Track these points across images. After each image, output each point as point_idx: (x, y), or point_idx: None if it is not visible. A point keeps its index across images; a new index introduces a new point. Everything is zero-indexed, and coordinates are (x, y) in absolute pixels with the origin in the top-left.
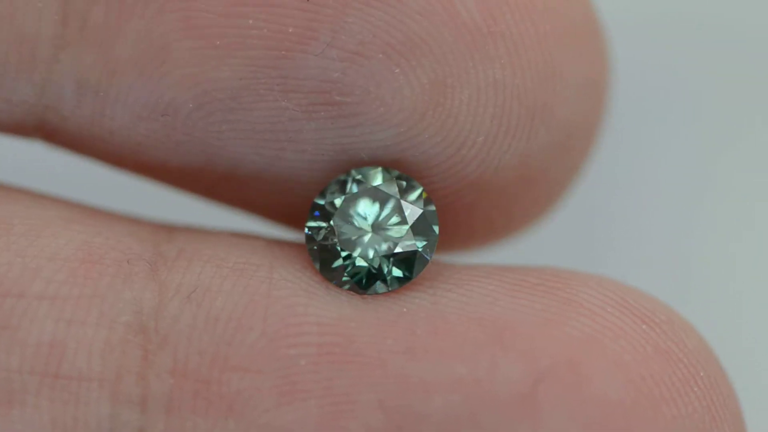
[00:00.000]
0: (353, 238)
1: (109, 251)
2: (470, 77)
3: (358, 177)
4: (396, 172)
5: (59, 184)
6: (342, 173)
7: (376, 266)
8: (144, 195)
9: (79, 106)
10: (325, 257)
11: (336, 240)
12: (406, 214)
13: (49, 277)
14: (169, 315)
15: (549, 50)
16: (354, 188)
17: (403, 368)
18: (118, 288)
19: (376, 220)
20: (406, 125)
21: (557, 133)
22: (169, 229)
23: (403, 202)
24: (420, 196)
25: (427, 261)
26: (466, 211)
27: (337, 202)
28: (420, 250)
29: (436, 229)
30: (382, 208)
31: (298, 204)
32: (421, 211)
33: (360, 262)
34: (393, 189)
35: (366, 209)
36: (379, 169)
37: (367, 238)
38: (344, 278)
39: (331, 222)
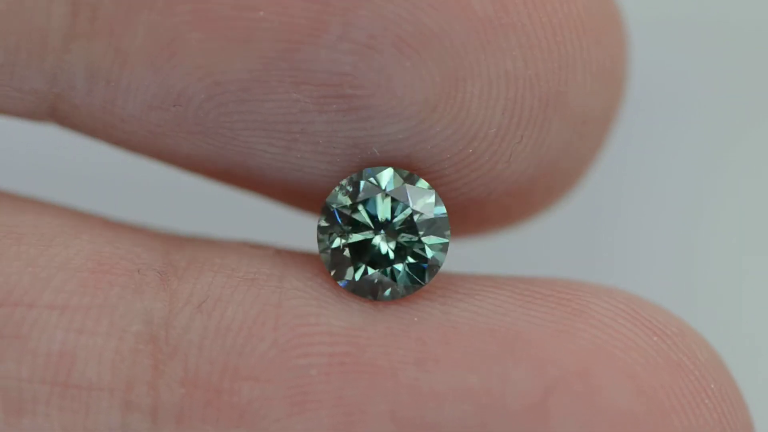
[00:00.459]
0: (365, 241)
1: (119, 261)
2: (482, 69)
3: (370, 179)
4: (407, 173)
5: (69, 193)
6: (354, 167)
7: (388, 271)
8: (154, 205)
9: (90, 95)
10: (336, 260)
11: (348, 243)
12: (417, 218)
13: (60, 286)
14: (179, 325)
15: (562, 40)
16: (365, 191)
17: (414, 378)
18: (129, 298)
19: (387, 222)
20: (417, 118)
21: (571, 123)
22: (180, 239)
23: (414, 206)
24: (431, 198)
25: (438, 267)
26: (478, 201)
27: (349, 204)
28: (431, 257)
29: (448, 234)
30: (393, 211)
31: (309, 194)
32: (433, 215)
33: (372, 267)
34: (404, 192)
35: (377, 212)
36: (391, 170)
37: (378, 241)
38: (356, 282)
39: (343, 225)
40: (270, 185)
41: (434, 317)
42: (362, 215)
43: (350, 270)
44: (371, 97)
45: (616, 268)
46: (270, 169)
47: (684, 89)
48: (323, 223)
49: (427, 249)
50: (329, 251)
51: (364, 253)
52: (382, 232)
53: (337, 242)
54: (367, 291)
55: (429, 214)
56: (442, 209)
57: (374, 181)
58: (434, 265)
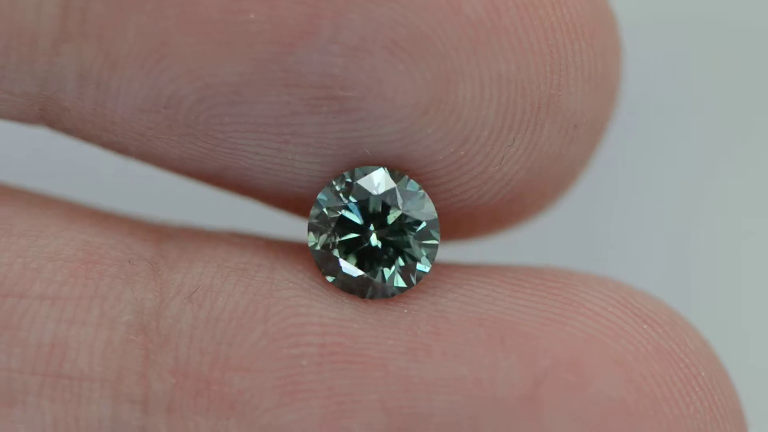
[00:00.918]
0: (354, 240)
1: (110, 251)
2: (474, 72)
3: (361, 178)
4: (398, 173)
5: (60, 183)
6: (345, 168)
7: (377, 270)
8: (145, 195)
9: (80, 98)
10: (326, 258)
11: (338, 241)
12: (407, 219)
13: (50, 277)
14: (170, 315)
15: (555, 44)
16: (356, 190)
17: (404, 369)
18: (119, 288)
19: (378, 222)
20: (409, 120)
21: (563, 128)
22: (170, 230)
23: (404, 207)
24: (422, 200)
25: (427, 268)
26: (469, 204)
27: (340, 203)
28: (420, 258)
29: (437, 236)
30: (383, 211)
31: (301, 196)
32: (423, 217)
33: (360, 266)
34: (395, 193)
35: (368, 212)
36: (382, 170)
37: (368, 240)
38: (345, 279)
39: (333, 223)
40: (260, 188)
41: (424, 308)
42: (352, 214)
43: (339, 268)
44: (362, 99)
45: (607, 259)
46: (260, 172)
47: (681, 89)
48: (314, 221)
49: (416, 250)
50: (319, 249)
51: (353, 252)
52: (372, 231)
53: (327, 240)
54: (355, 290)
55: (419, 216)
56: (432, 211)
57: (365, 181)
58: (423, 267)
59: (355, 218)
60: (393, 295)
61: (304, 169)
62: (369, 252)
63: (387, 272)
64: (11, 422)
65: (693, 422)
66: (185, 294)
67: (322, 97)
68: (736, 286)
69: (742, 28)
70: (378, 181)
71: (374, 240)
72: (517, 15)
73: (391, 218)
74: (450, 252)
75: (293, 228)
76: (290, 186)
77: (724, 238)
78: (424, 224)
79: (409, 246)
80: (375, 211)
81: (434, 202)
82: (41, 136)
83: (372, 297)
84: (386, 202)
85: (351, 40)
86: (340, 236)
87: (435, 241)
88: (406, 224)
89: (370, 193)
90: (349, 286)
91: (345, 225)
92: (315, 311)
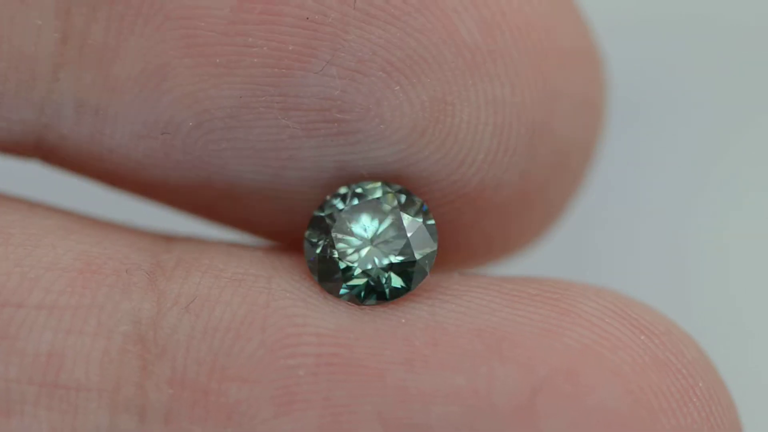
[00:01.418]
0: (352, 250)
1: (107, 261)
2: (470, 95)
3: (359, 190)
4: (397, 186)
5: (58, 193)
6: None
7: (375, 279)
8: (143, 205)
9: (78, 125)
10: (323, 269)
11: (335, 252)
12: (406, 227)
13: (48, 286)
14: (167, 325)
15: (547, 70)
16: (354, 201)
17: (401, 379)
18: (117, 298)
19: (375, 233)
20: (406, 143)
21: (556, 151)
22: (168, 239)
23: (402, 215)
24: (420, 209)
25: (425, 273)
26: (465, 228)
27: (337, 214)
28: (418, 260)
29: (435, 242)
30: (381, 221)
31: (297, 222)
32: (421, 223)
33: (358, 275)
34: (393, 203)
35: (365, 222)
36: (379, 183)
37: (366, 251)
38: (342, 290)
39: (331, 234)
40: (258, 213)
41: (421, 318)
42: (350, 224)
43: (337, 276)
44: (360, 121)
45: (604, 270)
46: (257, 197)
47: (679, 88)
48: (311, 232)
49: (414, 256)
50: (316, 260)
51: (350, 259)
52: (370, 240)
53: (324, 251)
54: (353, 297)
55: (417, 223)
56: (430, 218)
57: (363, 192)
58: (421, 272)
59: (353, 226)
60: (391, 297)
61: (302, 194)
62: (366, 259)
63: (384, 278)
64: None
65: None
66: (183, 304)
67: (320, 120)
68: (734, 296)
69: (742, 28)
70: (375, 192)
71: (371, 247)
72: (512, 40)
73: (389, 225)
74: None
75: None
76: (288, 213)
77: (722, 248)
78: (422, 229)
79: (408, 252)
80: (372, 218)
81: None
82: None
83: (369, 304)
84: (383, 210)
85: (348, 63)
86: (337, 244)
87: (433, 248)
88: (403, 230)
89: (367, 203)
90: (346, 294)
91: (341, 233)
92: (312, 321)
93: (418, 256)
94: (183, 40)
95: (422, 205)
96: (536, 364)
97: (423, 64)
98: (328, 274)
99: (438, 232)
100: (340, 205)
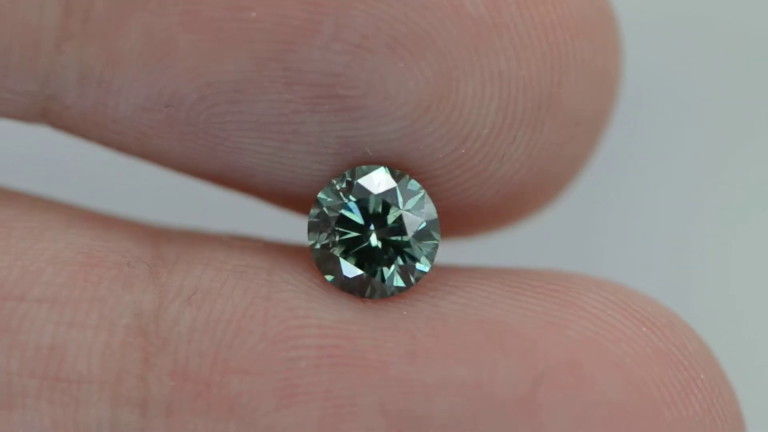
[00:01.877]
0: (354, 239)
1: (109, 254)
2: (475, 70)
3: (362, 177)
4: (399, 173)
5: (59, 187)
6: (345, 167)
7: (377, 269)
8: (144, 198)
9: (82, 97)
10: (325, 257)
11: (338, 240)
12: (408, 220)
13: (49, 280)
14: (169, 318)
15: (555, 41)
16: (357, 189)
17: (404, 371)
18: (118, 291)
19: (378, 221)
20: (410, 118)
21: (564, 125)
22: (169, 232)
23: (404, 207)
24: (422, 200)
25: (426, 268)
26: (470, 203)
27: (340, 202)
28: (420, 258)
29: (437, 236)
30: (384, 211)
31: (301, 195)
32: (423, 218)
33: (360, 265)
34: (395, 193)
35: (368, 211)
36: (383, 169)
37: (368, 240)
38: (345, 279)
39: (333, 222)
40: (261, 187)
41: (423, 310)
42: (353, 213)
43: (339, 267)
44: (364, 97)
45: (606, 262)
46: (261, 170)
47: (678, 88)
48: (314, 220)
49: (416, 250)
50: (319, 248)
51: (353, 251)
52: (373, 230)
53: (327, 239)
54: (355, 289)
55: (419, 216)
56: (432, 211)
57: (366, 180)
58: (422, 267)
59: (355, 217)
60: (392, 294)
61: (305, 168)
62: (368, 251)
63: (386, 272)
64: (10, 425)
65: (692, 425)
66: (184, 297)
67: (324, 95)
68: (735, 289)
69: (742, 29)
70: (378, 180)
71: (374, 240)
72: (518, 12)
73: (391, 218)
74: (450, 251)
75: (292, 230)
76: (291, 185)
77: (724, 240)
78: (424, 224)
79: (409, 246)
80: (375, 210)
81: (435, 200)
82: (41, 137)
83: (371, 296)
84: (387, 202)
85: (353, 38)
86: (340, 235)
87: (435, 242)
88: (406, 223)
89: (370, 192)
90: (348, 286)
91: (345, 224)
92: (314, 313)
93: (419, 253)
94: (186, 14)
95: (424, 195)
96: (538, 355)
97: (427, 39)
98: (330, 262)
99: (442, 206)
100: (343, 193)
